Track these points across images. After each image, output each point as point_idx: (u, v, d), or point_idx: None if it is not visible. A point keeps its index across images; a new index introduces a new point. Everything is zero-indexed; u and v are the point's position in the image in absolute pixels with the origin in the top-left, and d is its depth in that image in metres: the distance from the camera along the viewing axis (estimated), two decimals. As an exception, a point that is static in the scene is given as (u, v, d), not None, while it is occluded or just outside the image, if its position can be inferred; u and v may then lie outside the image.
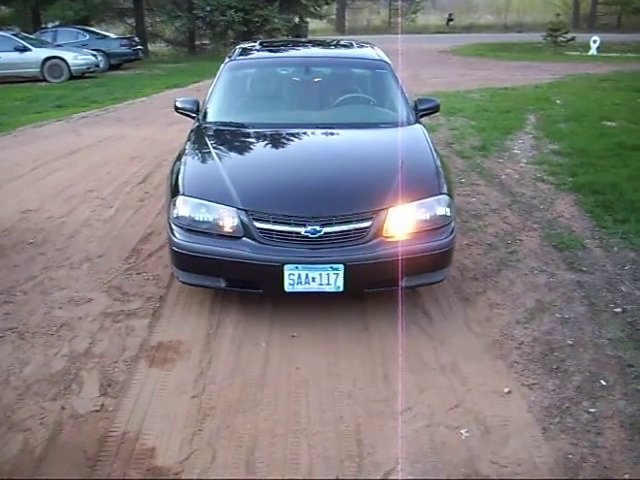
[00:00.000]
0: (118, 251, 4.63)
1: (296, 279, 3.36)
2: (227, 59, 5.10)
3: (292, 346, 3.39)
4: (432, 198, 3.60)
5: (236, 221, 3.43)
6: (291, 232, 3.37)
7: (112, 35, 20.59)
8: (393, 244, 3.42)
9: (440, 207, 3.60)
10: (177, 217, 3.57)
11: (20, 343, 3.41)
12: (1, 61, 15.43)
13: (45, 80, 15.81)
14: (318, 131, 4.27)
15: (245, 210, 3.42)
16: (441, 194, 3.64)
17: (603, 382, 3.06)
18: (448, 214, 3.61)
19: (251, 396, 2.97)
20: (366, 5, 46.42)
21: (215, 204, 3.50)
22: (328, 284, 3.38)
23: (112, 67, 18.76)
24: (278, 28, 22.70)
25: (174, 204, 3.61)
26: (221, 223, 3.46)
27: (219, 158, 3.91)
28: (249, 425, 2.77)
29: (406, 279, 3.49)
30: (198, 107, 4.76)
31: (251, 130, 4.34)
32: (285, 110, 4.66)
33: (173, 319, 3.69)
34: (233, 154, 4.07)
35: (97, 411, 2.85)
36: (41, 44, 16.84)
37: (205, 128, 4.41)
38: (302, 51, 5.33)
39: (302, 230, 3.35)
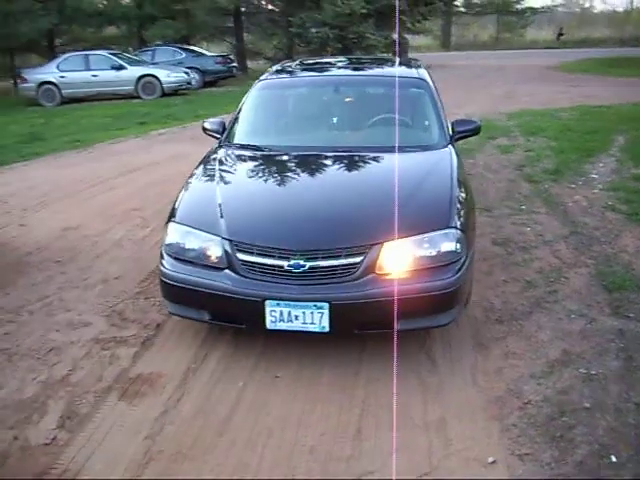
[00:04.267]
0: (136, 273, 4.58)
1: (278, 316, 3.11)
2: (259, 79, 4.97)
3: (271, 388, 3.14)
4: (438, 232, 3.23)
5: (220, 251, 3.24)
6: (274, 266, 3.13)
7: (208, 53, 21.31)
8: (387, 282, 3.09)
9: (447, 242, 3.22)
10: (168, 244, 3.44)
11: (5, 365, 3.40)
12: (98, 79, 16.38)
13: (139, 97, 16.58)
14: (333, 156, 4.00)
15: (230, 240, 3.23)
16: (450, 228, 3.26)
17: (614, 458, 2.57)
18: (457, 250, 3.23)
19: (206, 442, 2.75)
20: (474, 20, 45.39)
21: (202, 232, 3.34)
22: (312, 323, 3.10)
23: (207, 84, 19.40)
24: (374, 45, 22.58)
25: (166, 230, 3.49)
26: (207, 253, 3.29)
27: (220, 183, 3.76)
28: (192, 474, 2.55)
29: (402, 322, 3.13)
30: (224, 128, 4.65)
31: (265, 153, 4.15)
32: (308, 132, 4.43)
33: (163, 349, 3.56)
34: (235, 180, 3.89)
35: (47, 444, 2.75)
36: (136, 63, 17.67)
37: (219, 150, 4.28)
38: (336, 71, 5.09)
39: (285, 264, 3.10)
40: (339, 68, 5.06)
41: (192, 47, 21.15)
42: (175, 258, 3.38)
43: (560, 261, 4.63)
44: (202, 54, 20.66)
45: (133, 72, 16.56)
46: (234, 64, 20.86)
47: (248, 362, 3.36)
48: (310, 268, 3.09)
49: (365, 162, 3.95)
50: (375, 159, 3.97)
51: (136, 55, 19.24)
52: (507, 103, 13.31)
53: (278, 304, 3.10)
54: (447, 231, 3.25)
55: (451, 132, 4.39)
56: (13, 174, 8.20)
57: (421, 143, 4.19)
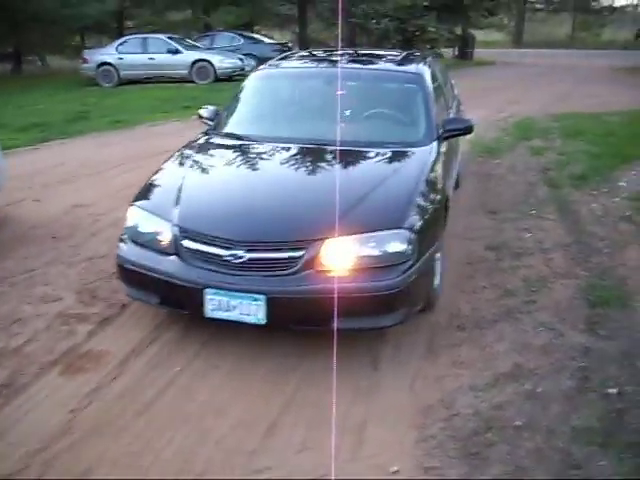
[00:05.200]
0: (121, 253, 4.68)
1: (217, 305, 3.12)
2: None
3: (205, 377, 3.15)
4: (386, 232, 3.15)
5: (170, 237, 3.28)
6: (214, 254, 3.14)
7: (266, 40, 21.43)
8: (326, 279, 3.04)
9: (395, 243, 3.13)
10: (126, 227, 3.51)
11: (-32, 332, 3.56)
12: (154, 62, 16.76)
13: (193, 81, 16.87)
14: (306, 149, 3.96)
15: (178, 226, 3.26)
16: (400, 228, 3.16)
17: (524, 482, 2.45)
18: (406, 251, 3.14)
19: (123, 421, 2.80)
20: (549, 17, 43.79)
21: (157, 217, 3.39)
22: (249, 314, 3.09)
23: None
24: (435, 38, 22.18)
25: (127, 212, 3.56)
26: (159, 238, 3.33)
27: (188, 170, 3.80)
28: (97, 451, 2.60)
29: (341, 320, 3.07)
30: (216, 116, 4.68)
31: (240, 143, 4.17)
32: (291, 124, 4.39)
33: (118, 329, 3.63)
34: (203, 167, 3.92)
35: (-23, 409, 2.87)
36: (192, 47, 17.95)
37: (201, 138, 4.33)
38: (333, 64, 5.01)
39: (225, 253, 3.11)
40: (338, 61, 4.97)
41: (251, 34, 21.33)
42: (132, 241, 3.45)
43: (550, 271, 4.42)
44: (260, 41, 20.81)
45: (188, 57, 16.86)
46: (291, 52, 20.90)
47: (192, 349, 3.38)
48: (249, 259, 3.08)
49: (335, 157, 3.89)
50: (348, 154, 3.89)
51: (195, 40, 19.55)
52: (560, 103, 12.81)
53: (217, 293, 3.10)
54: (397, 231, 3.16)
55: (441, 130, 4.26)
56: (47, 151, 8.54)
57: (403, 140, 4.09)
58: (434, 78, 4.94)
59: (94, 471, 2.49)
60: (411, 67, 4.75)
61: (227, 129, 4.40)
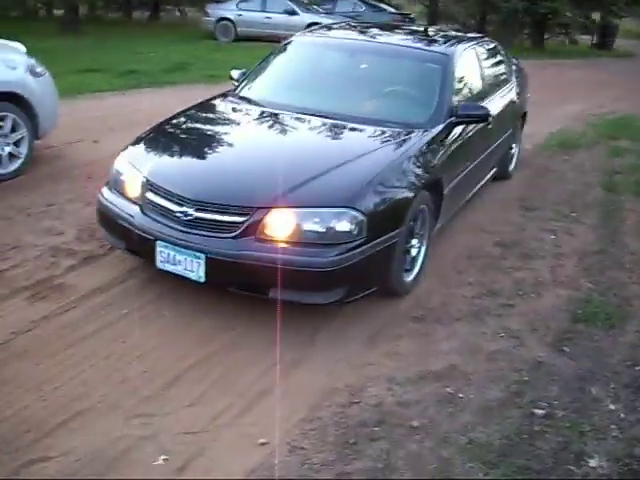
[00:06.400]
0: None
1: (166, 257, 3.25)
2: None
3: (146, 323, 3.31)
4: (333, 209, 3.11)
5: (138, 188, 3.44)
6: (168, 209, 3.26)
7: (390, 10, 21.01)
8: (265, 248, 3.07)
9: (342, 222, 3.09)
10: (111, 174, 3.70)
11: (-32, 251, 3.94)
12: (271, 21, 16.97)
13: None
14: (304, 119, 3.95)
15: (146, 178, 3.41)
16: (349, 208, 3.11)
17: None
18: (352, 231, 3.09)
19: (52, 349, 3.02)
20: None
21: (132, 167, 3.55)
22: (191, 271, 3.20)
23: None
24: (567, 23, 20.75)
25: (115, 160, 3.75)
26: (130, 187, 3.50)
27: (184, 125, 3.94)
28: (12, 370, 2.85)
29: (275, 291, 3.11)
30: (242, 78, 4.77)
31: (245, 106, 4.23)
32: (305, 93, 4.35)
33: (97, 268, 3.86)
34: (198, 125, 4.05)
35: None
36: (310, 10, 17.94)
37: (218, 97, 4.44)
38: (362, 37, 4.87)
39: (176, 209, 3.22)
40: (369, 35, 4.85)
41: (375, 2, 20.98)
42: (111, 188, 3.65)
43: (552, 277, 4.15)
44: (383, 9, 20.44)
45: (303, 19, 16.90)
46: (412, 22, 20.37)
47: (147, 296, 3.55)
48: (196, 218, 3.17)
49: (327, 130, 3.85)
50: (338, 128, 3.84)
51: (318, 4, 19.58)
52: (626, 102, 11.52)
53: (166, 246, 3.23)
54: (344, 210, 3.11)
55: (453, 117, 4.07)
56: (132, 97, 9.03)
57: (405, 120, 3.96)
58: (471, 62, 4.71)
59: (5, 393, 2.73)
60: (440, 47, 4.54)
61: (244, 93, 4.47)
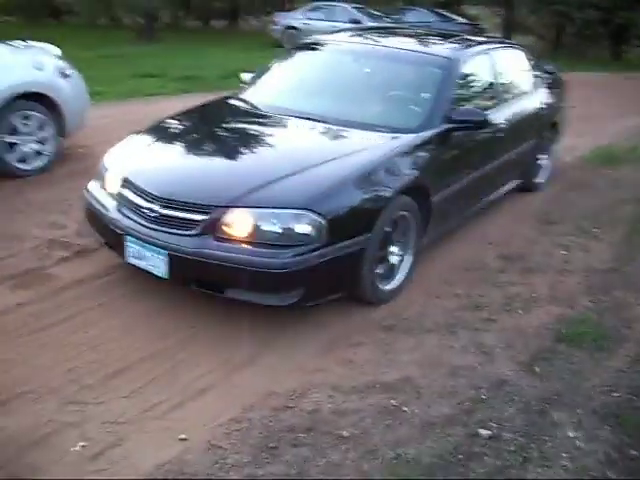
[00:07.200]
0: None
1: (133, 252, 3.33)
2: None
3: (116, 315, 3.39)
4: (291, 211, 3.07)
5: (117, 183, 3.53)
6: (137, 205, 3.33)
7: (459, 19, 20.64)
8: (223, 247, 3.08)
9: (300, 224, 3.05)
10: (99, 169, 3.83)
11: (-32, 238, 4.16)
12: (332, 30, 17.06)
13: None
14: (284, 122, 3.97)
15: (123, 175, 3.50)
16: (307, 210, 3.07)
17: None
18: (310, 234, 3.05)
19: (15, 334, 3.14)
20: None
21: (116, 165, 3.65)
22: (156, 267, 3.25)
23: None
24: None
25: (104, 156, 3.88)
26: (110, 182, 3.60)
27: (171, 129, 4.03)
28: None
29: (232, 290, 3.13)
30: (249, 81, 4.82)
31: (240, 109, 4.28)
32: (296, 97, 4.33)
33: (86, 261, 3.98)
34: (188, 124, 4.11)
35: None
36: (376, 19, 17.89)
37: (219, 99, 4.52)
38: (369, 41, 4.79)
39: (145, 205, 3.28)
40: (374, 39, 4.78)
41: (444, 12, 20.67)
42: (96, 182, 3.77)
43: (548, 294, 3.93)
44: (452, 19, 20.11)
45: (366, 28, 16.93)
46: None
47: (122, 290, 3.64)
48: (162, 215, 3.22)
49: (307, 133, 3.83)
50: (323, 132, 3.82)
51: (385, 13, 19.50)
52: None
53: (135, 242, 3.30)
54: (302, 212, 3.07)
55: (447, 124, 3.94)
56: (177, 102, 8.99)
57: (394, 124, 3.86)
58: (483, 68, 4.56)
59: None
60: (446, 51, 4.41)
61: (246, 96, 4.52)
